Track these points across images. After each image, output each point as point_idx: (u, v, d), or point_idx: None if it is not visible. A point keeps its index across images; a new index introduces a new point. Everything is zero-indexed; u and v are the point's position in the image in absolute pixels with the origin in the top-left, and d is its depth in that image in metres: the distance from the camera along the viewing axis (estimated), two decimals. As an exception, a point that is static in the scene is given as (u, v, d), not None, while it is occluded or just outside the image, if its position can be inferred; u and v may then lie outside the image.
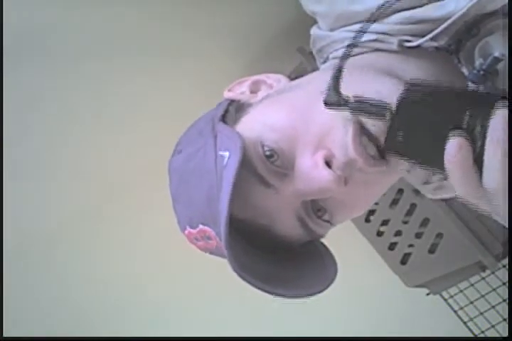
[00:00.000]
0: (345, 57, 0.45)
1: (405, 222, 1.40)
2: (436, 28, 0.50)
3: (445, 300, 1.42)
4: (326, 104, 0.45)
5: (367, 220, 1.47)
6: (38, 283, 1.57)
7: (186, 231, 0.52)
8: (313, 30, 0.63)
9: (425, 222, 1.37)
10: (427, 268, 1.37)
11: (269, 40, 1.54)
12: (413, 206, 1.39)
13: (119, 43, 1.41)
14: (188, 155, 0.53)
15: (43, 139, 1.46)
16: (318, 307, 1.69)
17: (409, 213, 1.39)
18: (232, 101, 0.57)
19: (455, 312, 1.40)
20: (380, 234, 1.45)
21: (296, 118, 0.49)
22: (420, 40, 0.51)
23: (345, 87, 0.45)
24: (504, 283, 1.33)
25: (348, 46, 0.46)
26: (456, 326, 1.41)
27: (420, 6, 0.51)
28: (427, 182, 0.63)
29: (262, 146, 0.48)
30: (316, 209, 0.50)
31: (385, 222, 1.44)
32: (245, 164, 0.47)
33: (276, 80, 0.57)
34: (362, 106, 0.44)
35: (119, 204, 1.56)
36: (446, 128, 0.38)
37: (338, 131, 0.47)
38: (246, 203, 0.49)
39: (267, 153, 0.48)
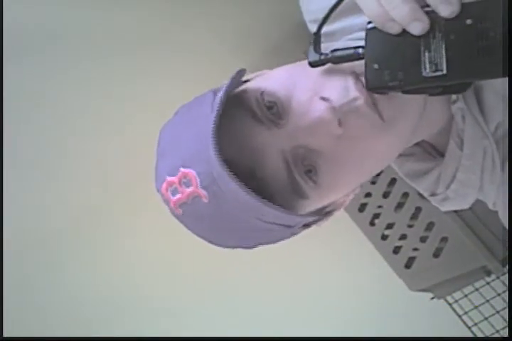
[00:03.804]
0: (323, 21, 0.48)
1: (410, 226, 1.40)
2: None
3: (449, 304, 1.41)
4: (311, 64, 0.49)
5: (372, 223, 1.46)
6: (38, 283, 1.56)
7: (164, 184, 0.50)
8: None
9: (430, 226, 1.37)
10: (432, 272, 1.37)
11: (272, 42, 1.54)
12: (418, 210, 1.38)
13: (119, 43, 1.41)
14: (184, 111, 0.53)
15: (43, 139, 1.45)
16: (320, 310, 1.68)
17: (414, 217, 1.39)
18: None
19: (459, 316, 1.39)
20: (384, 237, 1.44)
21: (295, 72, 0.52)
22: None
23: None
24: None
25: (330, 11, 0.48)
26: (460, 331, 1.40)
27: None
28: (433, 194, 0.63)
29: (261, 93, 0.49)
30: (306, 169, 0.49)
31: (389, 226, 1.44)
32: (241, 102, 0.49)
33: None
34: (339, 54, 0.47)
35: (120, 204, 1.55)
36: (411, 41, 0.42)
37: (337, 79, 0.48)
38: (235, 138, 0.48)
39: (267, 103, 0.49)
